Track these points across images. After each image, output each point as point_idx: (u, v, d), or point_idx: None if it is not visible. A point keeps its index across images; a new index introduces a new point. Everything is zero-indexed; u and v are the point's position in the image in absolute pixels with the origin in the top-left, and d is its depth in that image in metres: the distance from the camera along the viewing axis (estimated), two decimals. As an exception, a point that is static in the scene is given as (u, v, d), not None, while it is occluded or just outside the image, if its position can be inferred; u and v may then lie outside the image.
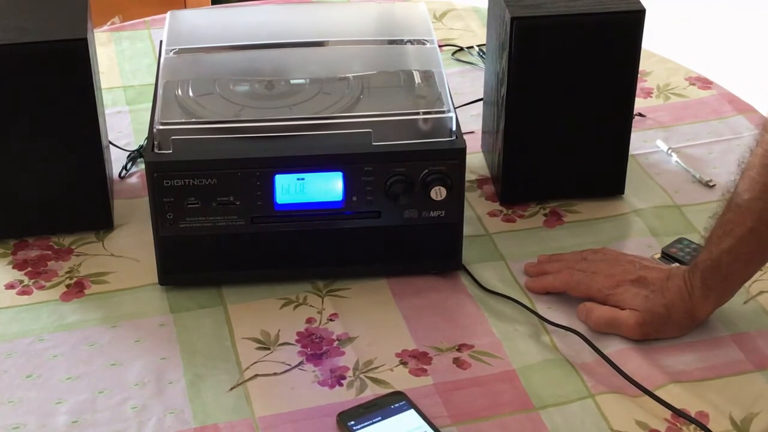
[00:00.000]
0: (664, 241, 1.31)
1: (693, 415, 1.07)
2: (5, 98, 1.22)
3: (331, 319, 1.20)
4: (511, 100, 1.31)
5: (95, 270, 1.27)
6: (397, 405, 1.07)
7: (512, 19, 1.26)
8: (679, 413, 1.07)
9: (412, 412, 1.06)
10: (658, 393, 1.09)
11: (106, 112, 1.46)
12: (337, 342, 1.17)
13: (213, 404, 1.09)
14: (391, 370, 1.13)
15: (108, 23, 2.15)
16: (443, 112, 1.20)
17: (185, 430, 1.07)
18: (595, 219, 1.36)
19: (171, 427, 1.07)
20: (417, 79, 1.28)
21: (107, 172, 1.31)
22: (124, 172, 1.44)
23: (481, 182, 1.43)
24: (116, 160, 1.44)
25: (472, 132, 1.49)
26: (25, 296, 1.24)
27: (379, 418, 1.06)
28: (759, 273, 1.25)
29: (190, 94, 1.25)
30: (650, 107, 1.59)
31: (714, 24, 3.30)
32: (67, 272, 1.27)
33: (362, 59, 1.32)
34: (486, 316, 1.21)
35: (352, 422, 1.05)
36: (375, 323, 1.20)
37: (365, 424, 1.05)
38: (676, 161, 1.46)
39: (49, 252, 1.30)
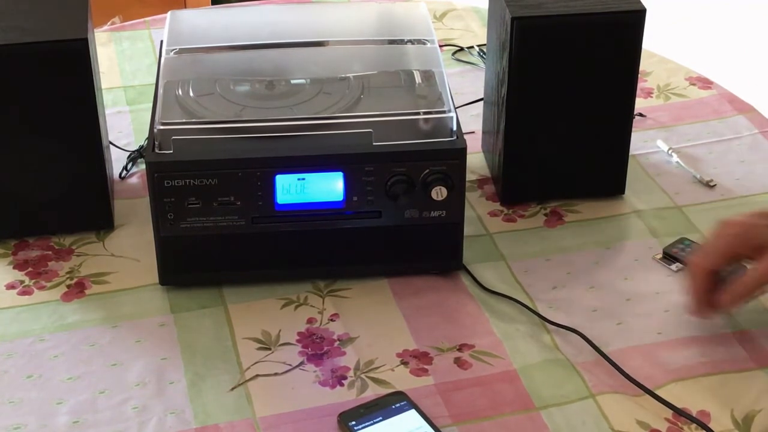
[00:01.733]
0: (665, 242, 1.31)
1: (694, 415, 1.07)
2: (5, 98, 1.22)
3: (331, 319, 1.20)
4: (512, 100, 1.31)
5: (96, 270, 1.27)
6: (398, 405, 1.07)
7: (512, 19, 1.26)
8: (680, 412, 1.07)
9: (413, 412, 1.06)
10: (659, 392, 1.09)
11: (107, 112, 1.46)
12: (337, 342, 1.17)
13: (214, 404, 1.09)
14: (392, 370, 1.13)
15: (108, 23, 2.15)
16: (444, 112, 1.20)
17: (186, 431, 1.06)
18: (595, 219, 1.36)
19: (172, 427, 1.07)
20: (417, 79, 1.28)
21: (108, 172, 1.31)
22: (124, 172, 1.44)
23: (481, 182, 1.43)
24: (116, 160, 1.44)
25: (473, 132, 1.49)
26: (26, 296, 1.24)
27: (380, 418, 1.06)
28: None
29: (191, 94, 1.25)
30: (650, 107, 1.59)
31: (714, 24, 3.30)
32: (68, 272, 1.27)
33: (363, 59, 1.32)
34: (487, 316, 1.21)
35: (353, 422, 1.05)
36: (376, 323, 1.20)
37: (366, 424, 1.05)
38: (677, 161, 1.46)
39: (50, 252, 1.30)
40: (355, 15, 1.46)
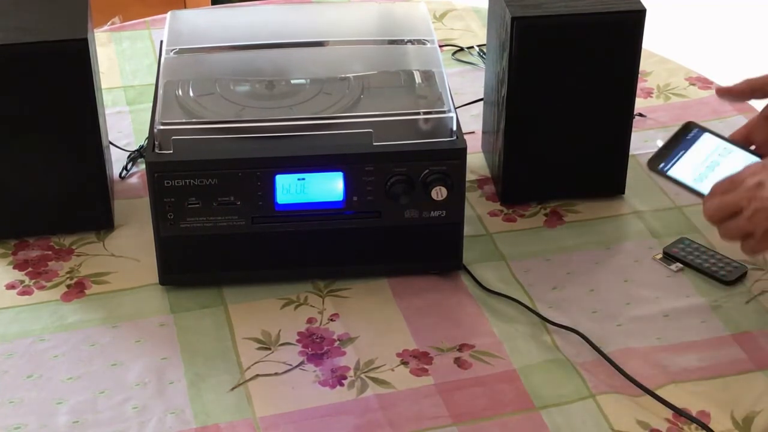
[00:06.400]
0: (665, 242, 1.31)
1: (694, 415, 1.07)
2: (5, 98, 1.22)
3: (331, 319, 1.20)
4: (511, 100, 1.31)
5: (96, 270, 1.27)
6: (691, 134, 1.11)
7: (512, 19, 1.26)
8: (680, 413, 1.07)
9: (707, 135, 1.11)
10: (659, 392, 1.09)
11: (107, 112, 1.46)
12: (337, 342, 1.17)
13: (214, 404, 1.09)
14: (392, 370, 1.13)
15: (108, 23, 2.15)
16: (444, 112, 1.20)
17: (186, 430, 1.07)
18: (595, 219, 1.36)
19: (172, 427, 1.07)
20: (417, 79, 1.28)
21: (108, 172, 1.31)
22: (124, 172, 1.44)
23: (481, 182, 1.43)
24: (117, 160, 1.44)
25: (473, 132, 1.49)
26: (26, 296, 1.24)
27: (682, 152, 1.10)
28: (761, 272, 1.25)
29: (191, 94, 1.25)
30: (650, 107, 1.59)
31: (714, 24, 3.29)
32: (68, 272, 1.27)
33: (363, 59, 1.32)
34: (487, 316, 1.21)
35: (662, 164, 1.10)
36: (376, 323, 1.20)
37: (673, 162, 1.10)
38: (677, 161, 1.46)
39: (50, 252, 1.30)
40: (355, 15, 1.46)
